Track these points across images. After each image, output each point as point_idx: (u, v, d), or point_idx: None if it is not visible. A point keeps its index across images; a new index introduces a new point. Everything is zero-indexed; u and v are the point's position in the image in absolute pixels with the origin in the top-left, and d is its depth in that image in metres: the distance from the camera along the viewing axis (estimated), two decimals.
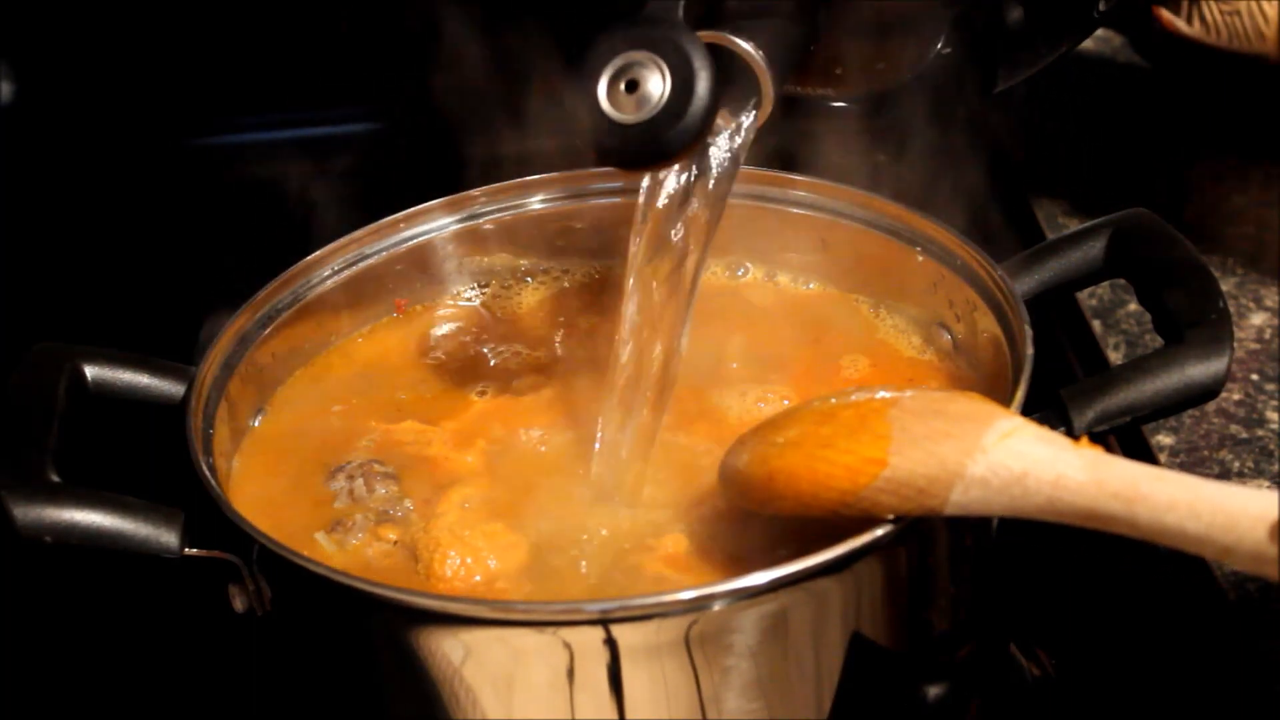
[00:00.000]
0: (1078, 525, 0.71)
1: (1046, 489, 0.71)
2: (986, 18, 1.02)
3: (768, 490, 0.78)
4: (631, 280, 0.85)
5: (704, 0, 0.83)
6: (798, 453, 0.77)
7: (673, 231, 0.85)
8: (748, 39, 0.83)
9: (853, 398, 0.79)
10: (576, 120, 0.79)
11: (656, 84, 0.77)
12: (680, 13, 0.80)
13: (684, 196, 0.85)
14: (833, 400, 0.79)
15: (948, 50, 1.01)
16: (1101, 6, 1.04)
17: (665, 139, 0.78)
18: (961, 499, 0.73)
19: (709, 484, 0.83)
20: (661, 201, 0.85)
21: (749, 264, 1.01)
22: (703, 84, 0.77)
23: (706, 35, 0.81)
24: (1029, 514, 0.72)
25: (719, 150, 0.85)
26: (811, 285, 0.99)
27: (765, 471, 0.78)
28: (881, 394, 0.78)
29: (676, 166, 0.84)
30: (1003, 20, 1.02)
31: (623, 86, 0.78)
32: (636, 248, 0.85)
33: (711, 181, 0.85)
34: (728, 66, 0.81)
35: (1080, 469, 0.70)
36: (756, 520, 0.81)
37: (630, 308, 0.85)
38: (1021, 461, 0.72)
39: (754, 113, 0.85)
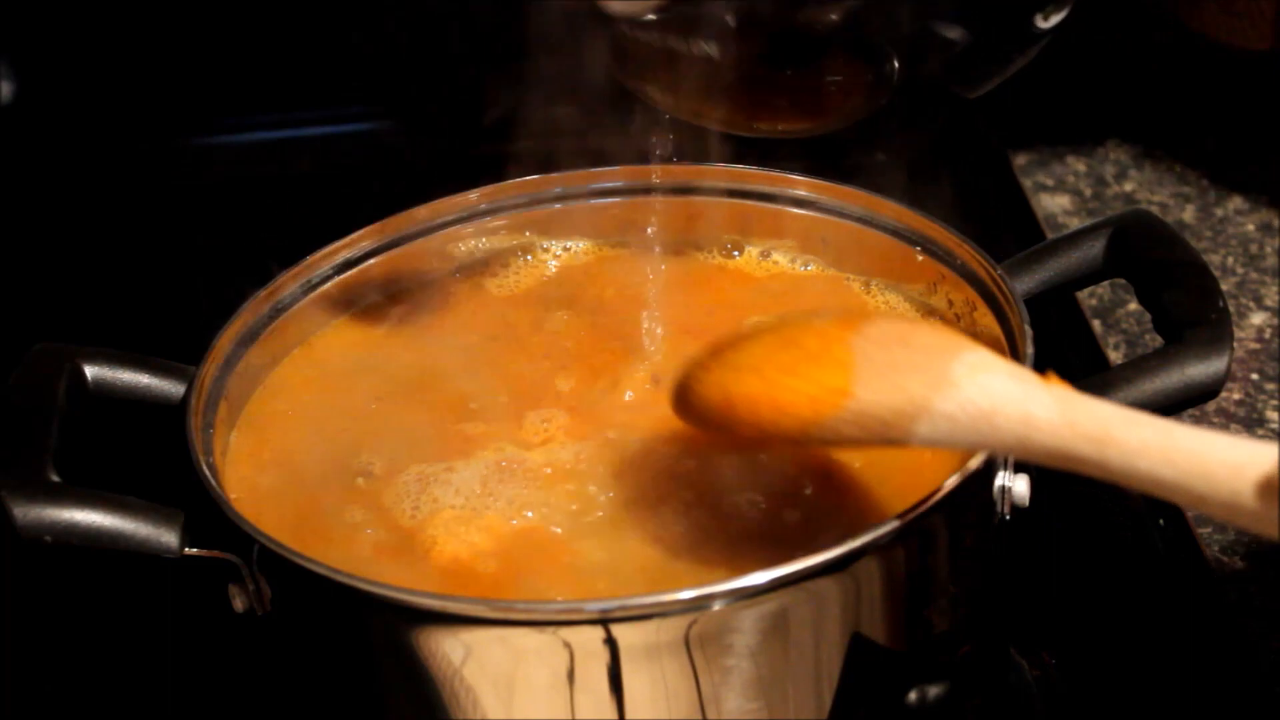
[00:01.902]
0: (1049, 465, 0.70)
1: (1016, 427, 0.69)
2: (928, 40, 1.04)
3: (726, 416, 0.76)
4: None
5: None
6: (758, 379, 0.75)
7: None
8: None
9: (814, 323, 0.77)
10: None
11: None
12: None
13: None
14: (792, 324, 0.77)
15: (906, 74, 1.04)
16: (1040, 22, 1.05)
17: None
18: (928, 433, 0.71)
19: (710, 471, 0.84)
20: None
21: (746, 245, 1.01)
22: None
23: None
24: (997, 451, 0.71)
25: None
26: (810, 267, 0.99)
27: (724, 396, 0.76)
28: (842, 321, 0.76)
29: None
30: (947, 40, 1.04)
31: None
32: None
33: None
34: None
35: (1050, 408, 0.69)
36: (765, 509, 0.81)
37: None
38: (990, 398, 0.70)
39: None
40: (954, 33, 1.05)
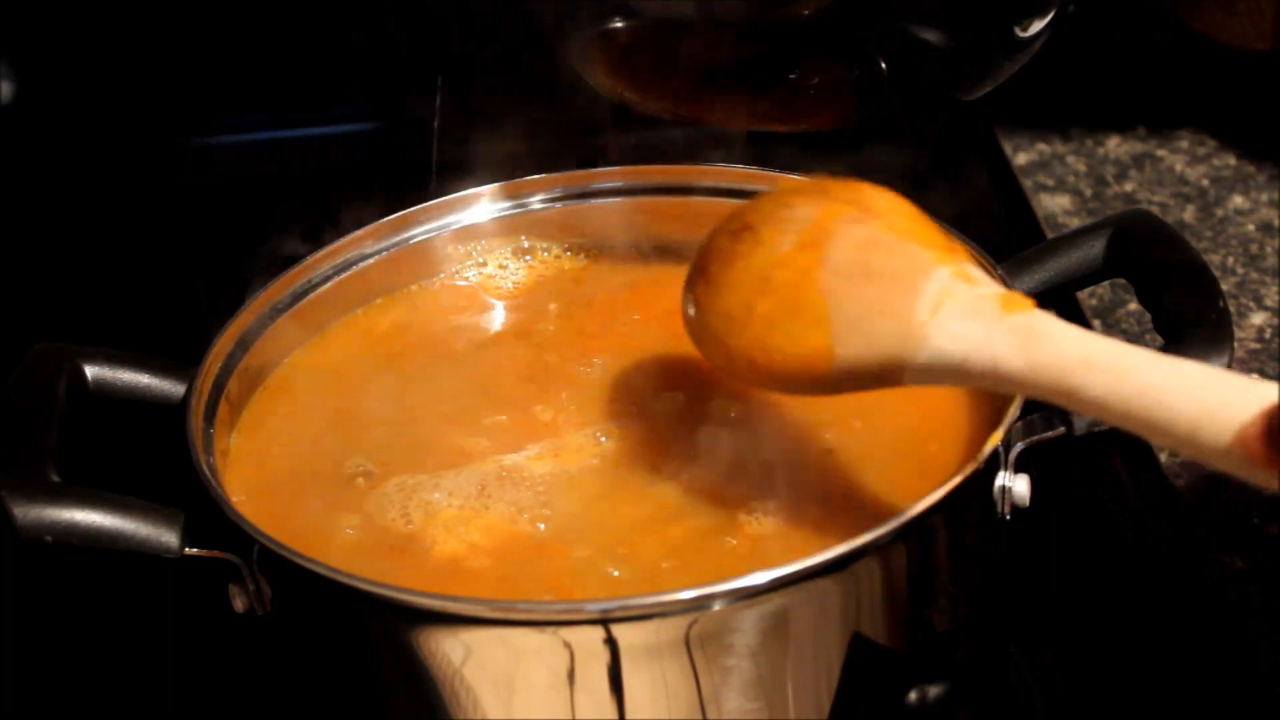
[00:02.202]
0: (1028, 397, 0.73)
1: (987, 373, 0.71)
2: (916, 47, 1.05)
3: (732, 369, 0.80)
4: None
5: None
6: (749, 335, 0.78)
7: None
8: None
9: (778, 247, 0.77)
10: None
11: None
12: None
13: None
14: (763, 243, 0.78)
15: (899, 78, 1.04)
16: (1020, 31, 1.05)
17: None
18: (913, 381, 0.74)
19: (712, 474, 0.84)
20: None
21: None
22: None
23: None
24: (980, 389, 0.74)
25: None
26: None
27: (725, 351, 0.79)
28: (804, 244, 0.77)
29: None
30: (934, 48, 1.04)
31: None
32: None
33: None
34: None
35: (1014, 352, 0.70)
36: (765, 511, 0.81)
37: None
38: (958, 345, 0.72)
39: None
40: (940, 40, 1.05)
